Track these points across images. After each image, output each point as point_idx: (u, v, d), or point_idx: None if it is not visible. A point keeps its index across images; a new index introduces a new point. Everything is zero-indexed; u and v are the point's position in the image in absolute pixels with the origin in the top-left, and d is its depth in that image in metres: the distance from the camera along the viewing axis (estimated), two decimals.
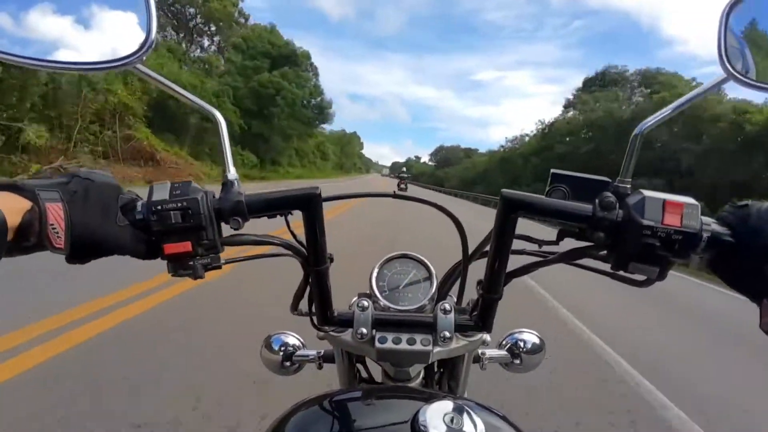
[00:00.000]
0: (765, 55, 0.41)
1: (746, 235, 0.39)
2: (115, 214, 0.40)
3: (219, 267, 0.45)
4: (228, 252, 0.47)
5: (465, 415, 0.36)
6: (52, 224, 0.36)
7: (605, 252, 0.43)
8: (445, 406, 0.36)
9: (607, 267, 0.44)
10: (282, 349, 0.68)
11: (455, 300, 0.62)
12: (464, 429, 0.34)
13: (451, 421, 0.35)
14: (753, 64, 0.41)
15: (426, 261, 0.60)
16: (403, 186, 23.93)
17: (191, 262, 0.43)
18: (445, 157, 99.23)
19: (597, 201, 0.41)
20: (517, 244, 0.49)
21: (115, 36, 0.41)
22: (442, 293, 0.60)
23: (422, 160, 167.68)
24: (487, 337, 0.57)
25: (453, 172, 62.67)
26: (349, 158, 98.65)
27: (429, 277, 0.59)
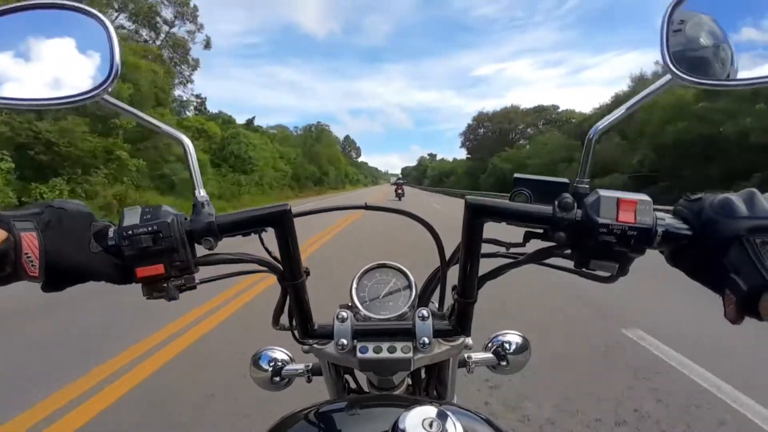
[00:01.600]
0: (709, 52, 0.42)
1: (701, 228, 0.39)
2: (88, 242, 0.41)
3: (194, 287, 0.46)
4: (203, 272, 0.48)
5: (446, 420, 0.36)
6: (26, 253, 0.37)
7: (569, 251, 0.44)
8: (425, 411, 0.37)
9: (572, 265, 0.45)
10: (271, 365, 0.68)
11: (437, 306, 0.62)
12: None
13: (431, 425, 0.35)
14: (699, 60, 0.42)
15: (405, 269, 0.61)
16: (400, 191, 24.39)
17: (165, 284, 0.44)
18: (501, 129, 50.26)
19: (556, 202, 0.42)
20: (488, 248, 0.50)
21: (79, 69, 0.42)
22: (423, 300, 0.61)
23: (439, 158, 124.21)
24: (468, 340, 0.57)
25: (547, 153, 28.66)
26: (329, 165, 52.89)
27: (409, 286, 0.60)
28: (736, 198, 0.38)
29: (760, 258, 0.35)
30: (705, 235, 0.39)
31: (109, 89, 0.42)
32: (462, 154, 64.10)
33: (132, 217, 0.43)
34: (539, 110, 50.23)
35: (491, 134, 53.36)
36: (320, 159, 49.96)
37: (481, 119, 56.41)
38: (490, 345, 0.70)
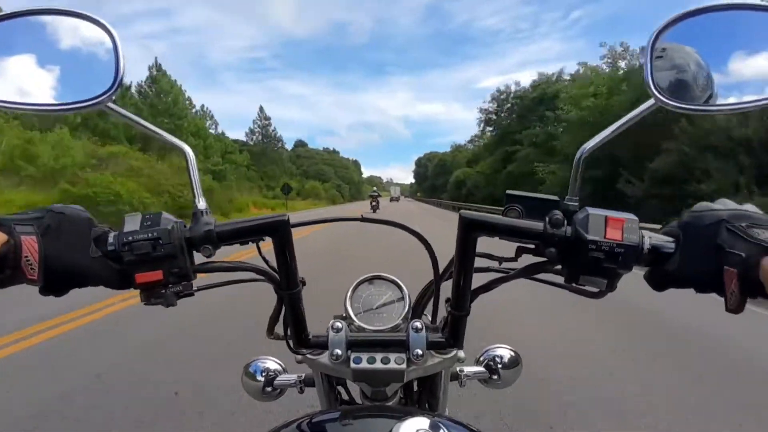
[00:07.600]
0: (690, 78, 0.45)
1: (684, 229, 0.41)
2: (87, 246, 0.41)
3: (191, 294, 0.46)
4: (201, 279, 0.48)
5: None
6: (26, 257, 0.37)
7: (559, 267, 0.45)
8: (419, 423, 0.37)
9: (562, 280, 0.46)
10: (263, 374, 0.68)
11: (430, 319, 0.63)
12: None
13: None
14: (681, 86, 0.45)
15: (399, 282, 0.62)
16: (374, 204, 24.95)
17: (163, 291, 0.44)
18: None
19: (547, 219, 0.44)
20: (481, 262, 0.51)
21: (84, 76, 0.43)
22: (416, 312, 0.61)
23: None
24: (461, 353, 0.58)
25: None
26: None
27: (402, 298, 0.60)
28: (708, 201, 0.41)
29: (750, 235, 0.36)
30: (691, 232, 0.40)
31: (113, 97, 0.43)
32: None
33: (132, 223, 0.43)
34: None
35: None
36: None
37: None
38: (482, 358, 0.70)
